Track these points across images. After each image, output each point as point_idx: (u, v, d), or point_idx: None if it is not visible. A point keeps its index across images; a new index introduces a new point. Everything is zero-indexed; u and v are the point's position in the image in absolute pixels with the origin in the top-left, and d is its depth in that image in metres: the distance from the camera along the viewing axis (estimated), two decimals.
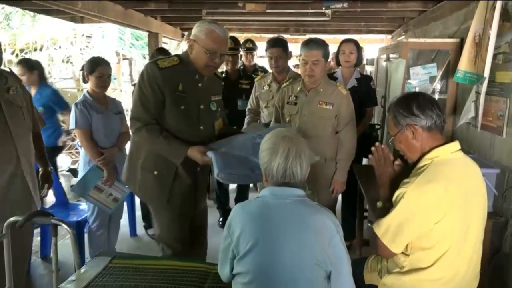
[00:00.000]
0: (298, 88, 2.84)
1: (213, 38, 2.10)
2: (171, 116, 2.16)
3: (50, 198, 3.68)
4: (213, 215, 4.11)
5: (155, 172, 2.24)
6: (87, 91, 2.98)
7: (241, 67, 4.10)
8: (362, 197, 3.30)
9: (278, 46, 3.33)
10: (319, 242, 1.42)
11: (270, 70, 3.55)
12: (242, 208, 1.52)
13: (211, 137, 2.29)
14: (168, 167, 2.22)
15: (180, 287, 1.81)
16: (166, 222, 2.33)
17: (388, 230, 1.62)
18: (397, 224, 1.59)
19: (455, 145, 1.67)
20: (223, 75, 3.92)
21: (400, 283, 1.66)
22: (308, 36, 7.12)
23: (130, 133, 2.26)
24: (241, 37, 5.78)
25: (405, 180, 1.63)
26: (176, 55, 2.22)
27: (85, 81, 3.00)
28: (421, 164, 1.66)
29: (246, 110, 3.69)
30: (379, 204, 1.85)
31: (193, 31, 2.14)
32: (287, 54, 3.40)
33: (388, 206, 1.69)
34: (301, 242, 1.42)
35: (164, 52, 3.73)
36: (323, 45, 2.71)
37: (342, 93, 2.79)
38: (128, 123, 2.30)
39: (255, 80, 3.60)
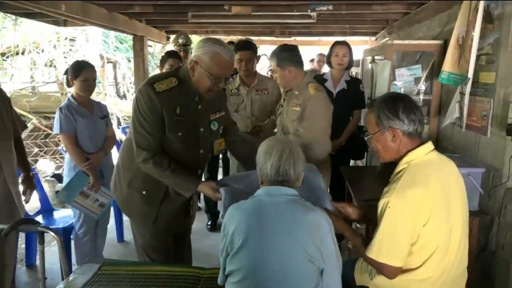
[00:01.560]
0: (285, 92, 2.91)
1: (218, 62, 1.90)
2: (168, 141, 2.01)
3: (34, 205, 3.62)
4: (201, 219, 4.09)
5: (143, 192, 2.13)
6: (72, 95, 2.93)
7: None
8: (350, 198, 3.32)
9: (249, 49, 3.31)
10: (312, 239, 1.45)
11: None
12: (237, 207, 1.56)
13: (209, 158, 2.25)
14: (157, 187, 2.11)
15: None
16: (148, 236, 2.23)
17: (381, 247, 1.58)
18: (389, 237, 1.57)
19: (429, 146, 1.68)
20: None
21: (390, 284, 1.66)
22: (293, 39, 7.20)
23: (138, 161, 2.03)
24: (226, 39, 5.77)
25: (385, 189, 1.63)
26: (175, 75, 2.01)
27: (69, 85, 2.95)
28: (398, 169, 1.68)
29: None
30: (350, 245, 1.86)
31: (196, 51, 1.95)
32: (257, 57, 3.39)
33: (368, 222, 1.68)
34: (294, 239, 1.45)
35: (174, 55, 3.68)
36: (275, 56, 2.70)
37: (310, 93, 2.65)
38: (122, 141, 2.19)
39: None
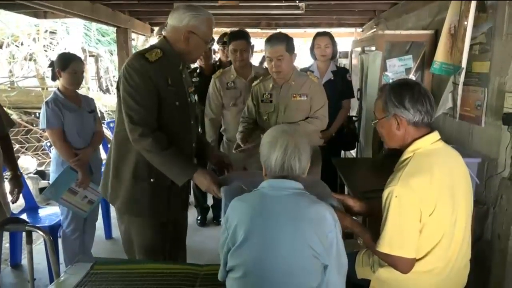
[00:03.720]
0: (271, 85, 2.79)
1: (211, 26, 2.01)
2: (165, 114, 1.95)
3: (18, 202, 3.51)
4: (190, 214, 4.02)
5: (151, 180, 2.00)
6: (58, 89, 2.83)
7: (217, 63, 3.97)
8: (343, 191, 3.31)
9: (243, 39, 3.22)
10: (316, 234, 1.40)
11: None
12: (239, 200, 1.51)
13: (197, 132, 2.21)
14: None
15: None
16: (150, 233, 2.10)
17: (392, 240, 1.54)
18: (398, 228, 1.53)
19: (435, 135, 1.66)
20: (197, 70, 3.81)
21: (393, 276, 1.64)
22: (279, 31, 7.13)
23: (131, 141, 1.91)
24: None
25: (390, 178, 1.61)
26: (158, 47, 1.99)
27: (54, 79, 2.85)
28: (403, 157, 1.65)
29: (208, 117, 3.39)
30: (359, 241, 1.82)
31: (189, 22, 1.92)
32: (251, 47, 3.32)
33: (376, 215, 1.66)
34: (298, 233, 1.40)
35: None
36: (285, 39, 2.63)
37: (314, 81, 2.77)
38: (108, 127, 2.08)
39: (214, 76, 3.35)
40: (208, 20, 1.97)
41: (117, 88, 1.98)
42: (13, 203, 2.55)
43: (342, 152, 4.12)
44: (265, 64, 3.54)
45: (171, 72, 1.99)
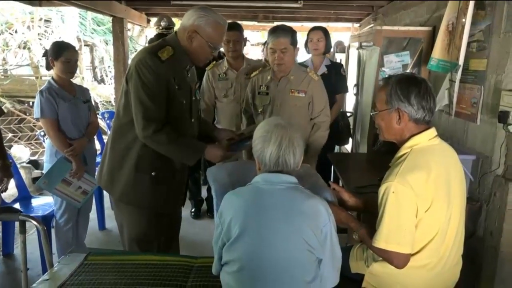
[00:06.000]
0: (269, 77, 2.77)
1: (219, 31, 1.97)
2: (172, 112, 1.97)
3: (10, 192, 3.49)
4: (185, 206, 4.01)
5: (153, 173, 2.04)
6: (52, 78, 2.80)
7: None
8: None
9: (236, 30, 3.19)
10: (311, 228, 1.40)
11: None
12: (234, 194, 1.49)
13: (197, 130, 2.20)
14: (166, 166, 2.06)
15: (164, 283, 1.74)
16: (144, 223, 2.12)
17: (389, 235, 1.54)
18: (395, 223, 1.53)
19: (432, 131, 1.66)
20: None
21: (387, 271, 1.65)
22: (276, 24, 7.11)
23: (141, 137, 1.95)
24: None
25: (387, 173, 1.61)
26: (169, 44, 1.98)
27: (49, 68, 2.81)
28: (400, 153, 1.65)
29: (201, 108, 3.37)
30: (355, 236, 1.83)
31: (195, 21, 1.93)
32: (243, 39, 3.31)
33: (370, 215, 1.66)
34: (292, 228, 1.40)
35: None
36: (290, 32, 2.62)
37: (314, 79, 2.75)
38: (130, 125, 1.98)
39: (207, 68, 3.34)
40: (215, 23, 1.94)
41: (126, 81, 1.97)
42: (1, 192, 2.52)
43: (337, 147, 4.13)
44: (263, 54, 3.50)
45: (179, 71, 2.01)
